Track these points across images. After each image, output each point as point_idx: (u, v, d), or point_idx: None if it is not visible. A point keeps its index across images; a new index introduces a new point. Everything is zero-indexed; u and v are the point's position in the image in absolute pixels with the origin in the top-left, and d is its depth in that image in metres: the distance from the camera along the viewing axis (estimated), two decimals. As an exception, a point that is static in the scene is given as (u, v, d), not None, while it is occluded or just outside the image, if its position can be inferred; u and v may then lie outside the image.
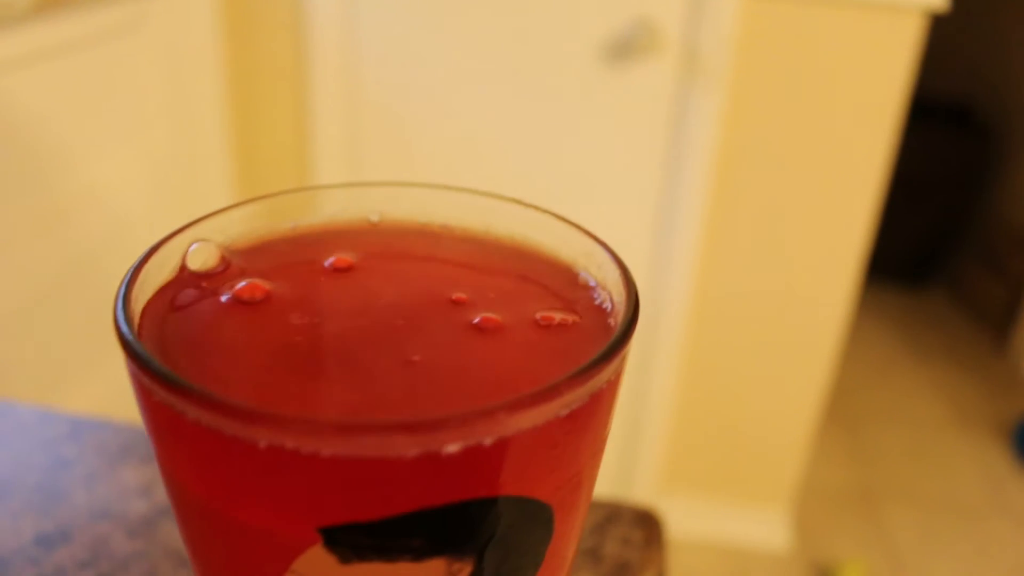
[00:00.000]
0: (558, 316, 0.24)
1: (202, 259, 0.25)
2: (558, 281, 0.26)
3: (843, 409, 2.21)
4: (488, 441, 0.18)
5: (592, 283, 0.26)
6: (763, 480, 1.78)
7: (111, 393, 1.25)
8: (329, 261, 0.26)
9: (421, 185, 0.29)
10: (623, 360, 0.21)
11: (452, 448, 0.18)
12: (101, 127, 1.23)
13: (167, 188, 1.41)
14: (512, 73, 1.52)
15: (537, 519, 0.21)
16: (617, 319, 0.23)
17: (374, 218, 0.29)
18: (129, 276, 0.22)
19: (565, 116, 1.53)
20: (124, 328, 0.20)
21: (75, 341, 1.21)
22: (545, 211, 0.27)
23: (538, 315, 0.24)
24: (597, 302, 0.25)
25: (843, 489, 1.97)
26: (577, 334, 0.23)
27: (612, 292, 0.25)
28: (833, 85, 1.40)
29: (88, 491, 0.47)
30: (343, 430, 0.17)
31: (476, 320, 0.23)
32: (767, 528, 1.79)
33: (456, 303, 0.24)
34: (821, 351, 1.60)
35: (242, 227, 0.27)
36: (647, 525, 0.48)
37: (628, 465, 1.82)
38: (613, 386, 0.21)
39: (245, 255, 0.26)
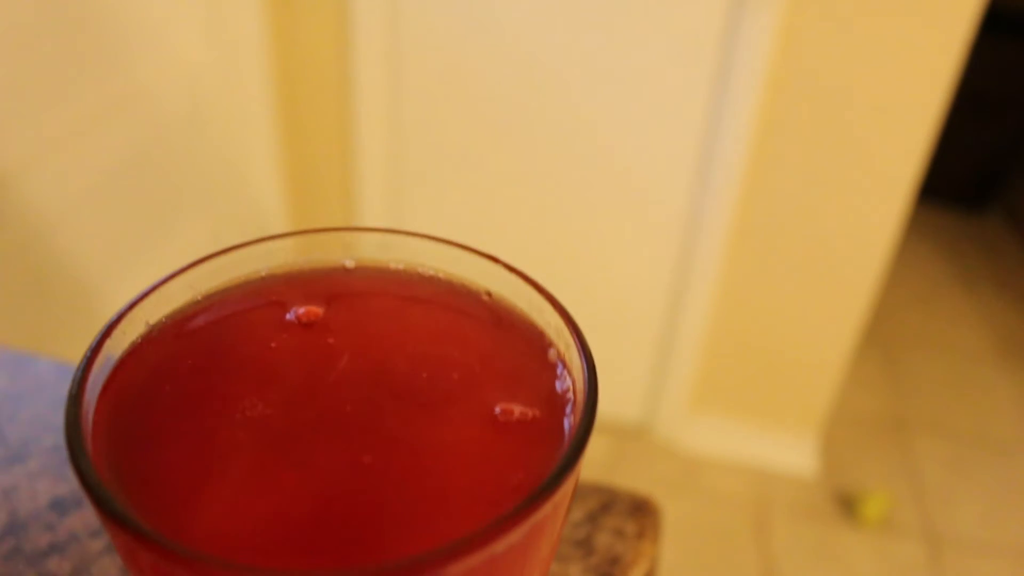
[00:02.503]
0: (517, 410, 0.23)
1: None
2: (528, 354, 0.26)
3: (882, 334, 2.18)
4: (417, 587, 0.18)
5: (559, 365, 0.25)
6: (793, 404, 1.78)
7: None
8: (292, 315, 0.26)
9: (401, 232, 0.28)
10: (575, 478, 0.21)
11: (379, 595, 0.18)
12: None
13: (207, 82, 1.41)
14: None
15: (478, 632, 0.21)
16: (576, 417, 0.23)
17: (349, 264, 0.28)
18: (85, 363, 0.22)
19: (613, 26, 1.48)
20: (71, 430, 0.20)
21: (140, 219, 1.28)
22: (522, 276, 0.26)
23: (498, 408, 0.23)
24: (560, 390, 0.24)
25: (874, 417, 1.96)
26: (534, 435, 0.23)
27: (576, 380, 0.24)
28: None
29: (101, 454, 0.48)
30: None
31: (433, 412, 0.23)
32: (794, 453, 1.80)
33: (418, 387, 0.24)
34: (864, 274, 1.57)
35: (211, 281, 0.27)
36: (642, 515, 0.48)
37: (658, 382, 1.83)
38: (560, 508, 0.21)
39: (208, 309, 0.26)
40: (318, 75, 1.63)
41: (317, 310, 0.26)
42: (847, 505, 1.71)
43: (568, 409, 0.23)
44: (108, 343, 0.23)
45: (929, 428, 1.94)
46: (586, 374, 0.23)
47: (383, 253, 0.28)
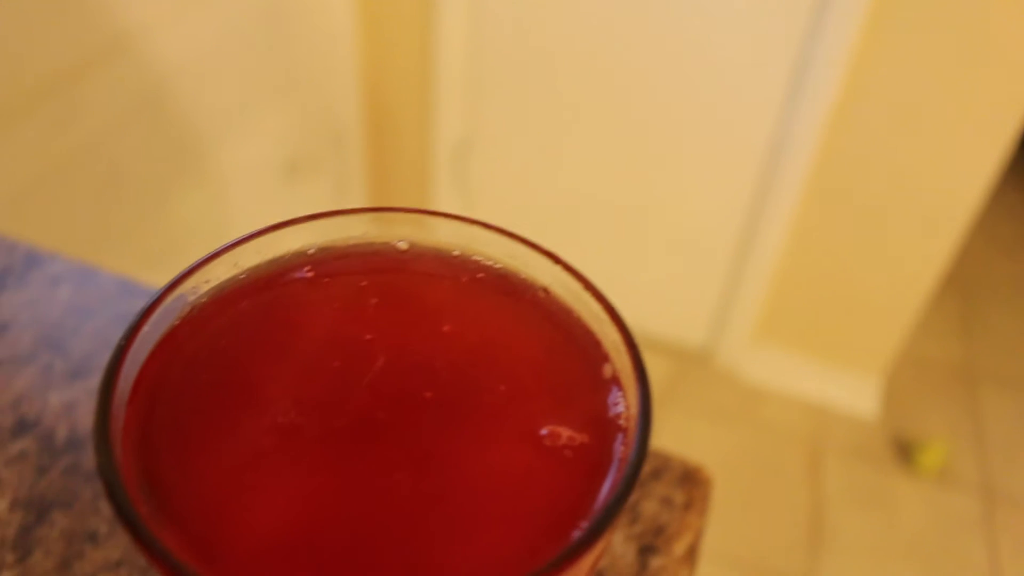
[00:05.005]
0: (565, 434, 0.22)
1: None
2: (582, 366, 0.24)
3: (962, 280, 2.09)
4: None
5: (614, 386, 0.23)
6: (860, 344, 1.74)
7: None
8: (333, 305, 0.25)
9: (458, 218, 0.26)
10: (619, 522, 0.20)
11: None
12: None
13: None
14: None
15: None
16: (629, 446, 0.21)
17: (402, 245, 0.27)
18: (119, 351, 0.21)
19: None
20: (99, 442, 0.20)
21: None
22: (583, 281, 0.25)
23: (545, 430, 0.22)
24: (612, 414, 0.23)
25: (943, 365, 1.91)
26: (580, 465, 0.21)
27: (630, 406, 0.22)
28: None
29: (158, 376, 0.49)
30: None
31: (474, 429, 0.22)
32: (855, 393, 1.77)
33: (459, 398, 0.23)
34: (952, 218, 1.49)
35: (256, 258, 0.25)
36: (692, 485, 0.47)
37: (724, 309, 1.80)
38: (600, 551, 0.20)
39: (249, 290, 0.25)
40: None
41: (359, 300, 0.25)
42: (904, 451, 1.68)
43: (619, 439, 0.22)
44: (146, 328, 0.22)
45: (999, 381, 1.88)
46: (641, 403, 0.21)
47: (439, 236, 0.27)
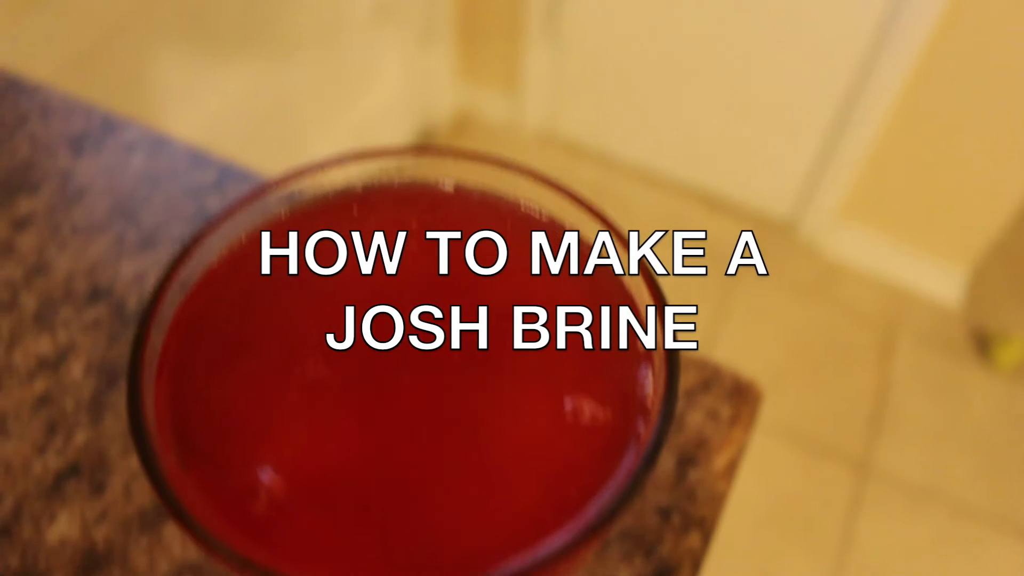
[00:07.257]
0: (588, 410, 0.22)
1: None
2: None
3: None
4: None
5: (645, 360, 0.23)
6: (950, 230, 1.67)
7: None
8: (367, 254, 0.25)
9: (512, 167, 0.25)
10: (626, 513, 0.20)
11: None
12: None
13: None
14: None
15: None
16: (649, 428, 0.21)
17: (446, 187, 0.26)
18: (155, 294, 0.22)
19: None
20: (134, 399, 0.20)
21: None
22: (625, 242, 0.24)
23: (569, 404, 0.22)
24: (640, 393, 0.22)
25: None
26: (599, 445, 0.21)
27: (658, 386, 0.22)
28: None
29: (224, 251, 0.50)
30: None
31: (502, 393, 0.22)
32: (938, 280, 1.71)
33: (489, 359, 0.23)
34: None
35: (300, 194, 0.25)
36: (740, 400, 0.47)
37: (814, 181, 1.74)
38: (603, 536, 0.20)
39: (288, 229, 0.25)
40: None
41: (395, 248, 0.25)
42: (982, 344, 1.64)
43: (640, 422, 0.22)
44: (183, 270, 0.22)
45: (1097, 280, 1.78)
46: (665, 393, 0.21)
47: (488, 179, 0.26)
